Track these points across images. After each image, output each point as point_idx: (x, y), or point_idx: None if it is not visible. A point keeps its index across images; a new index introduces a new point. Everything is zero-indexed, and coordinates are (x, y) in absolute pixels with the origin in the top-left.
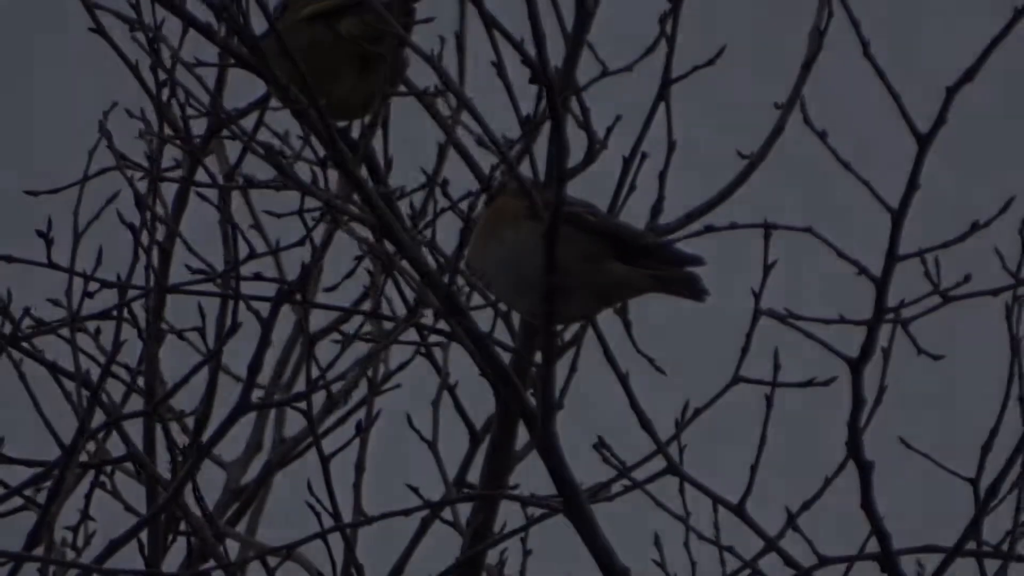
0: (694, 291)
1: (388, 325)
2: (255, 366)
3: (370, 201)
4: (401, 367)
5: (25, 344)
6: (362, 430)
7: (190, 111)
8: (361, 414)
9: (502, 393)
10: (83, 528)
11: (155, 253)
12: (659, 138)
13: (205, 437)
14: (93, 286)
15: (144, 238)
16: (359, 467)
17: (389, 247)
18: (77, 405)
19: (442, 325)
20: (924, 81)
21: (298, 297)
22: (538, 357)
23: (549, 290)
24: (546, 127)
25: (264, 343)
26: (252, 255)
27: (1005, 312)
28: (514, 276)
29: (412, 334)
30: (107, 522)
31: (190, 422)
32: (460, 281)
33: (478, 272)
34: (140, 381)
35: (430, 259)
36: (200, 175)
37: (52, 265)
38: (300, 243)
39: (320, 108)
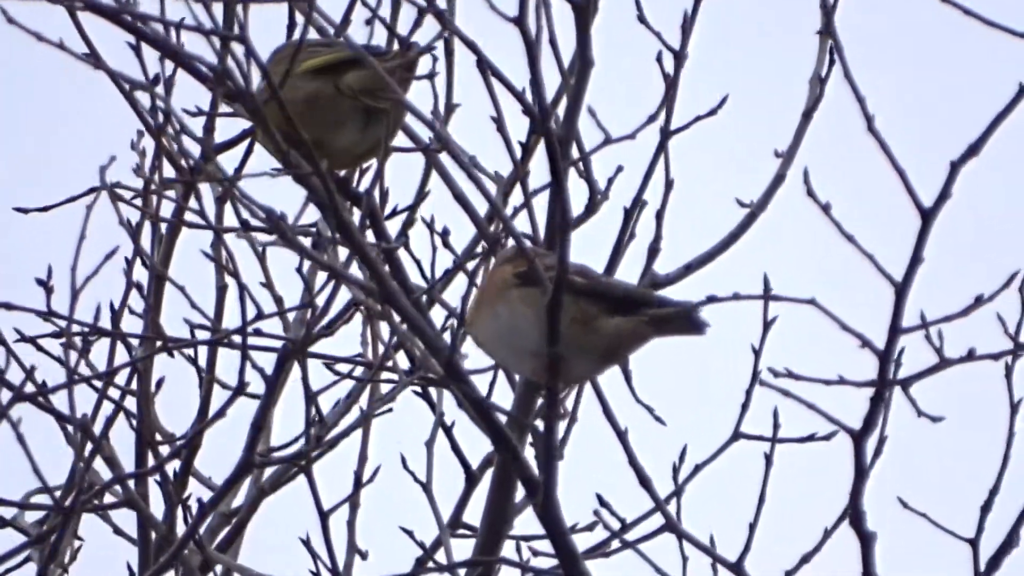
0: (694, 325)
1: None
2: (259, 423)
3: (374, 270)
4: (392, 398)
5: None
6: (362, 484)
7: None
8: (352, 441)
9: (503, 459)
10: (71, 547)
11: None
12: (661, 186)
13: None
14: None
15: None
16: (353, 505)
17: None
18: (79, 450)
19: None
20: (929, 154)
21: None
22: (540, 422)
23: (552, 361)
24: (541, 171)
25: (268, 401)
26: (260, 316)
27: (1004, 372)
28: (512, 348)
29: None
30: (95, 541)
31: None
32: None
33: (477, 341)
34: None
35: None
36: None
37: (51, 313)
38: (304, 307)
39: (323, 174)
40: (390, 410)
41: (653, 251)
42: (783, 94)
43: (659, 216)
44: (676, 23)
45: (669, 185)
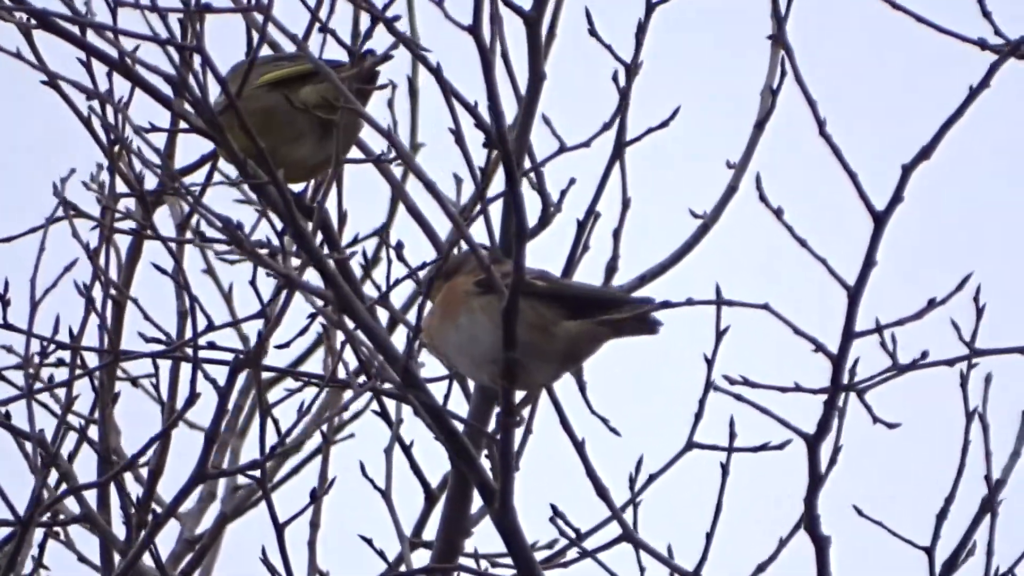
0: (646, 325)
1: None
2: (212, 435)
3: (330, 278)
4: (355, 417)
5: None
6: (317, 496)
7: (141, 169)
8: (315, 465)
9: (459, 466)
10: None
11: (109, 313)
12: (614, 198)
13: (163, 496)
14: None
15: (96, 292)
16: (314, 525)
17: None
18: (34, 465)
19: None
20: (881, 157)
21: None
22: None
23: (508, 366)
24: (498, 185)
25: (220, 413)
26: (211, 327)
27: (960, 381)
28: (472, 357)
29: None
30: (60, 570)
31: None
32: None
33: (437, 349)
34: (91, 430)
35: (388, 330)
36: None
37: (7, 326)
38: (258, 316)
39: (280, 183)
40: (351, 435)
41: (611, 269)
42: (735, 105)
43: (616, 235)
44: (628, 36)
45: (626, 204)
